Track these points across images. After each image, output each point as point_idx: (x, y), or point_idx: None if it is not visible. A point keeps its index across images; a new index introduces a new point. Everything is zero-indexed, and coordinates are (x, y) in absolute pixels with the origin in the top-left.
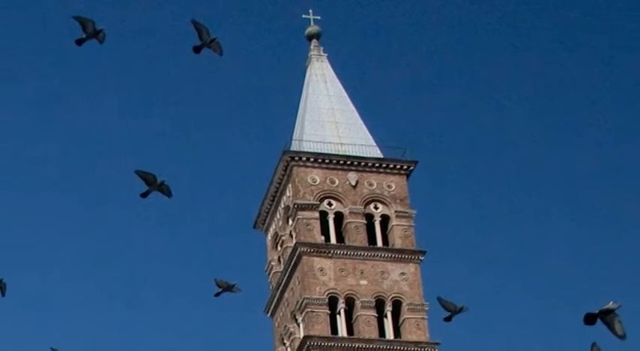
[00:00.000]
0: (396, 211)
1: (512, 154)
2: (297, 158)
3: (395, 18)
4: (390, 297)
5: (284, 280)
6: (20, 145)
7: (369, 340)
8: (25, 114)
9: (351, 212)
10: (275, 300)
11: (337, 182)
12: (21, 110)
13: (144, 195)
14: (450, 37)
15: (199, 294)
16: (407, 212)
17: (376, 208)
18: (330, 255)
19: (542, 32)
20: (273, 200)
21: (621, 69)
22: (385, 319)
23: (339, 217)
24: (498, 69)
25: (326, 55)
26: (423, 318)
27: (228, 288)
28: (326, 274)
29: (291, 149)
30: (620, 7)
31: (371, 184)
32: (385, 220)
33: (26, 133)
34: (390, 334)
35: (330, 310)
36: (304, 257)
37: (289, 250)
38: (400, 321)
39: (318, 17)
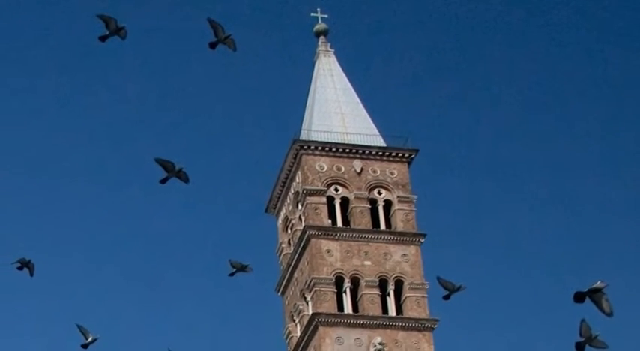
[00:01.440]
0: (398, 197)
1: (506, 143)
2: (305, 147)
3: (397, 16)
4: (393, 276)
5: (294, 261)
6: (48, 135)
7: (373, 317)
8: (52, 105)
9: (356, 197)
10: (285, 279)
11: (343, 169)
12: (49, 102)
13: (163, 181)
14: (448, 35)
15: (215, 274)
16: (408, 197)
17: (380, 193)
18: (336, 237)
19: (534, 30)
20: (283, 186)
21: (608, 64)
22: (388, 297)
23: (345, 202)
24: (494, 64)
25: (333, 50)
26: (423, 296)
27: (242, 268)
28: (333, 255)
29: (301, 139)
30: (607, 6)
31: (375, 171)
32: (388, 204)
33: (54, 123)
34: (392, 311)
35: (336, 288)
36: (312, 239)
37: (298, 233)
38: (402, 299)
39: (326, 15)
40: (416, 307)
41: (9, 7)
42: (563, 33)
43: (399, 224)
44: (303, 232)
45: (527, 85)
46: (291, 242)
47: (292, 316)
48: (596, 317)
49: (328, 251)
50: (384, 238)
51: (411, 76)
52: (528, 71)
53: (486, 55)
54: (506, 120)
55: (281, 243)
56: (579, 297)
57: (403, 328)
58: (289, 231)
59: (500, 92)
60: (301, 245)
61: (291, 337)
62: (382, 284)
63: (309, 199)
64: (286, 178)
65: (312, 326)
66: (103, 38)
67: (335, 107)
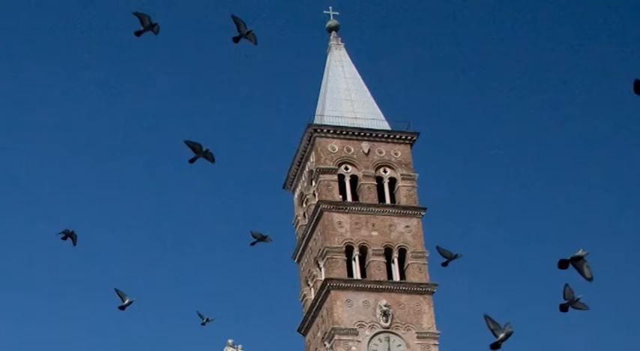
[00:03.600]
0: (401, 174)
1: (497, 126)
2: (319, 130)
3: (401, 14)
4: (397, 246)
5: (308, 232)
6: (91, 118)
7: (379, 282)
8: (94, 92)
9: (364, 175)
10: (301, 248)
11: (352, 150)
12: (91, 89)
13: (192, 161)
14: (446, 30)
15: (238, 243)
16: (410, 175)
17: (385, 171)
18: (346, 211)
19: (523, 26)
20: (299, 165)
21: (588, 56)
22: (392, 264)
23: (354, 179)
24: (486, 57)
25: (343, 44)
26: (424, 263)
27: (262, 238)
28: (343, 226)
29: (315, 123)
30: (587, 5)
31: (381, 152)
32: (392, 181)
33: (96, 108)
34: (396, 276)
35: (346, 256)
36: (325, 213)
37: (312, 207)
38: (405, 266)
39: (337, 13)
40: (417, 273)
41: (56, 8)
42: (548, 29)
43: (402, 199)
44: (317, 206)
45: (516, 75)
46: (306, 215)
47: (307, 281)
48: (578, 282)
49: (339, 223)
50: (388, 212)
51: (413, 67)
52: (517, 63)
53: (480, 48)
54: (497, 106)
55: (297, 216)
56: (563, 264)
57: (406, 291)
58: (304, 205)
59: (491, 81)
60: (315, 218)
61: (306, 300)
62: (387, 253)
63: (322, 177)
64: (302, 158)
65: (324, 290)
66: (138, 33)
67: (345, 95)
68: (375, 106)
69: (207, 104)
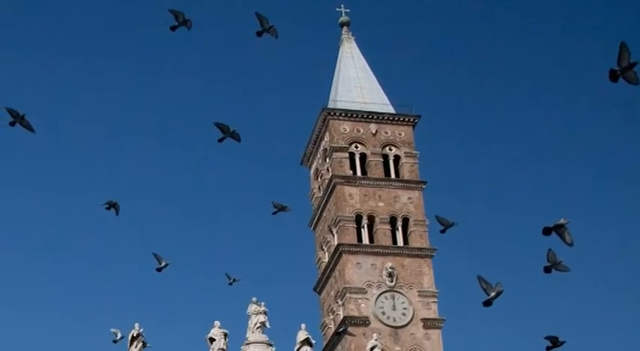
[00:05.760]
0: (405, 152)
1: (490, 110)
2: (332, 113)
3: (404, 11)
4: (401, 215)
5: (323, 203)
6: (130, 103)
7: (385, 247)
8: (134, 80)
9: (372, 153)
10: (316, 218)
11: (362, 131)
12: (133, 77)
13: (220, 140)
14: (444, 27)
15: (261, 213)
16: (413, 153)
17: (390, 149)
18: (356, 184)
19: (513, 23)
20: (314, 144)
21: (569, 49)
22: (397, 231)
23: (363, 157)
24: (480, 49)
25: (354, 38)
26: (424, 231)
27: (283, 208)
28: (353, 198)
29: (328, 107)
30: (569, 6)
31: (386, 132)
32: (397, 158)
33: (136, 94)
34: (400, 242)
35: (356, 224)
36: (337, 186)
37: (327, 181)
38: (408, 232)
39: (348, 10)
40: (419, 239)
41: (104, 8)
42: (535, 24)
43: (405, 174)
44: (330, 180)
45: (506, 66)
46: (321, 188)
47: (322, 246)
48: (560, 247)
49: (350, 195)
50: (393, 185)
51: (416, 58)
52: (507, 55)
53: (475, 42)
54: (489, 92)
55: (313, 189)
56: (547, 231)
57: (409, 255)
58: (319, 179)
59: (484, 71)
60: (329, 191)
61: (321, 263)
62: (392, 221)
63: (335, 154)
64: (317, 138)
65: (337, 254)
66: (173, 28)
67: (355, 82)
68: (382, 92)
69: (234, 90)
